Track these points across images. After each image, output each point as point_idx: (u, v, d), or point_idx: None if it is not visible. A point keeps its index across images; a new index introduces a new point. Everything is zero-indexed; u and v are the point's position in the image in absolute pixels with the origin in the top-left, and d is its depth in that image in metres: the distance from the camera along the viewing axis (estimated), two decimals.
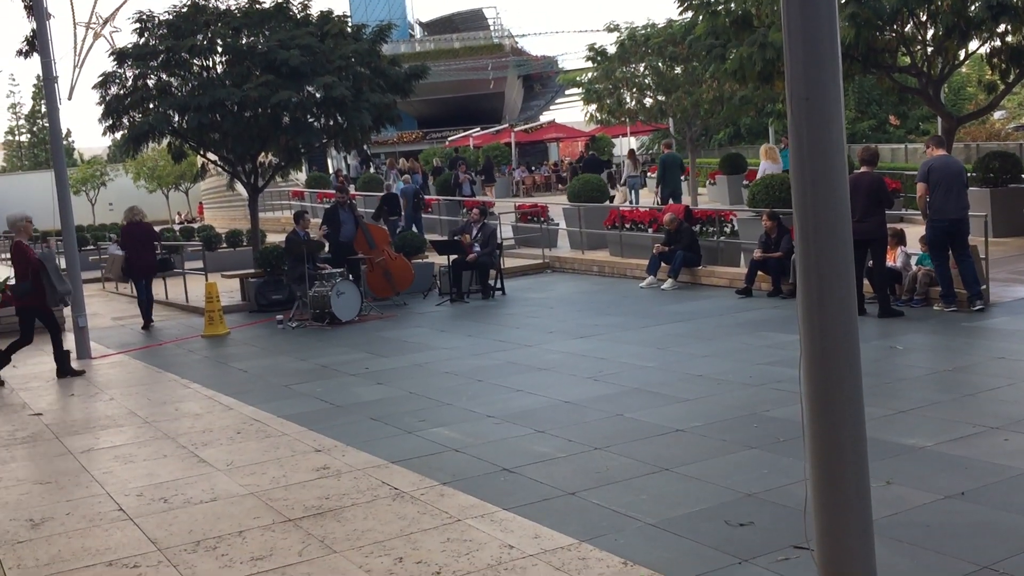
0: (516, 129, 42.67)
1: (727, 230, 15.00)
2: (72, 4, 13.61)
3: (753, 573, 4.39)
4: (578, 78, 29.93)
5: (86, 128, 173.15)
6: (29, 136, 77.62)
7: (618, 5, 66.86)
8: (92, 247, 24.55)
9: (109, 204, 54.74)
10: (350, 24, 17.46)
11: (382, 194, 22.37)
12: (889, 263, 11.14)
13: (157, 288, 15.67)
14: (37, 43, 12.49)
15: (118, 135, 16.87)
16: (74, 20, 13.62)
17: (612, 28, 24.86)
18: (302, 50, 15.72)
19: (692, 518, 5.10)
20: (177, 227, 33.76)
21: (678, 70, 23.95)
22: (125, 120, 16.51)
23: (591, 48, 25.54)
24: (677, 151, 24.34)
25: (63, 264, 12.42)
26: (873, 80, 22.03)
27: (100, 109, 16.49)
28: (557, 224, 19.47)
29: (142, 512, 5.77)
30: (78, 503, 6.05)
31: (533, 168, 41.53)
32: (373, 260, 15.10)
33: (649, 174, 27.62)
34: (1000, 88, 16.01)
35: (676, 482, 5.73)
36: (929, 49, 15.44)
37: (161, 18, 16.60)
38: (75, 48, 13.55)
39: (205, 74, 16.58)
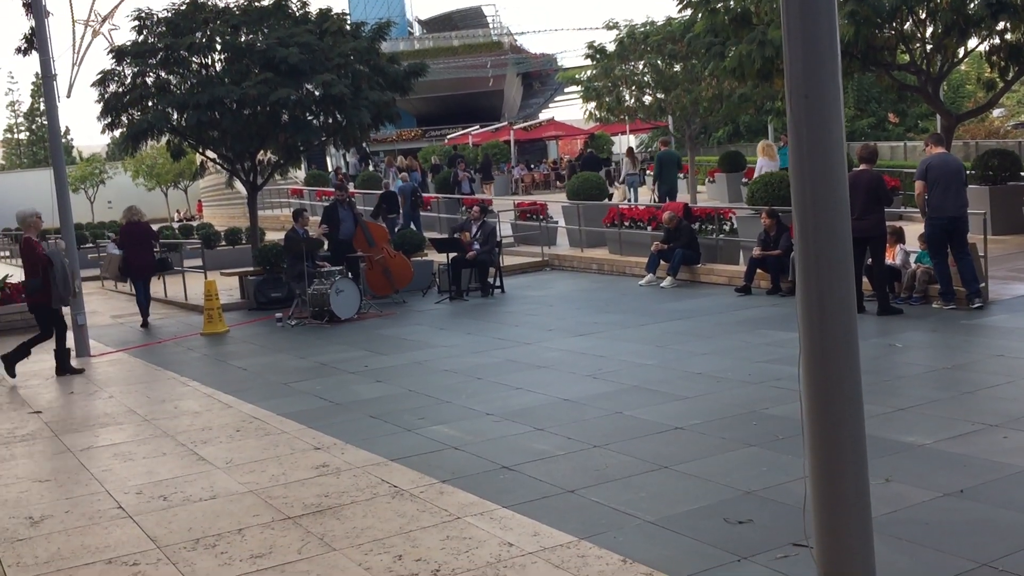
0: (515, 127, 42.68)
1: (726, 228, 15.01)
2: (71, 2, 13.57)
3: (752, 571, 4.39)
4: (577, 76, 30.00)
5: (85, 126, 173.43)
6: (28, 134, 77.49)
7: (617, 3, 66.81)
8: (91, 245, 24.54)
9: (108, 202, 54.64)
10: (349, 22, 17.47)
11: (381, 192, 22.37)
12: (888, 261, 11.15)
13: (155, 287, 15.66)
14: (36, 41, 12.47)
15: (117, 133, 16.86)
16: (73, 18, 13.63)
17: (611, 26, 24.90)
18: (301, 48, 15.72)
19: (691, 516, 5.10)
20: (176, 225, 33.74)
21: (677, 68, 23.99)
22: (124, 118, 16.53)
23: (590, 46, 25.58)
24: (676, 149, 24.33)
25: None
26: (872, 78, 22.03)
27: (99, 107, 16.51)
28: (556, 222, 19.46)
29: (141, 510, 5.77)
30: (77, 501, 6.05)
31: (532, 166, 41.50)
32: (372, 258, 15.09)
33: (647, 172, 27.61)
34: (999, 86, 16.02)
35: (675, 480, 5.73)
36: (928, 47, 15.45)
37: (160, 16, 16.60)
38: (74, 46, 13.54)
39: (204, 72, 16.59)
